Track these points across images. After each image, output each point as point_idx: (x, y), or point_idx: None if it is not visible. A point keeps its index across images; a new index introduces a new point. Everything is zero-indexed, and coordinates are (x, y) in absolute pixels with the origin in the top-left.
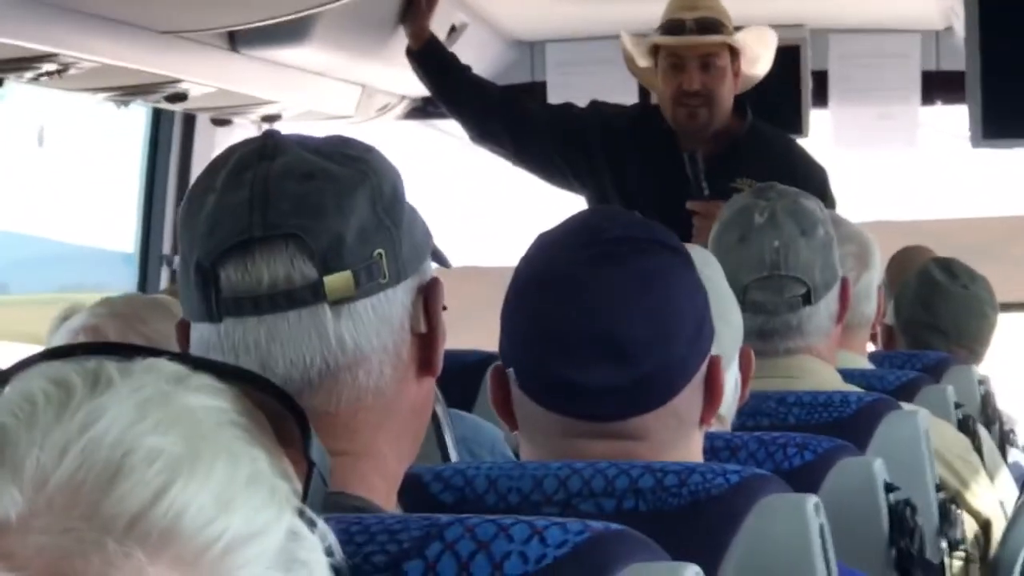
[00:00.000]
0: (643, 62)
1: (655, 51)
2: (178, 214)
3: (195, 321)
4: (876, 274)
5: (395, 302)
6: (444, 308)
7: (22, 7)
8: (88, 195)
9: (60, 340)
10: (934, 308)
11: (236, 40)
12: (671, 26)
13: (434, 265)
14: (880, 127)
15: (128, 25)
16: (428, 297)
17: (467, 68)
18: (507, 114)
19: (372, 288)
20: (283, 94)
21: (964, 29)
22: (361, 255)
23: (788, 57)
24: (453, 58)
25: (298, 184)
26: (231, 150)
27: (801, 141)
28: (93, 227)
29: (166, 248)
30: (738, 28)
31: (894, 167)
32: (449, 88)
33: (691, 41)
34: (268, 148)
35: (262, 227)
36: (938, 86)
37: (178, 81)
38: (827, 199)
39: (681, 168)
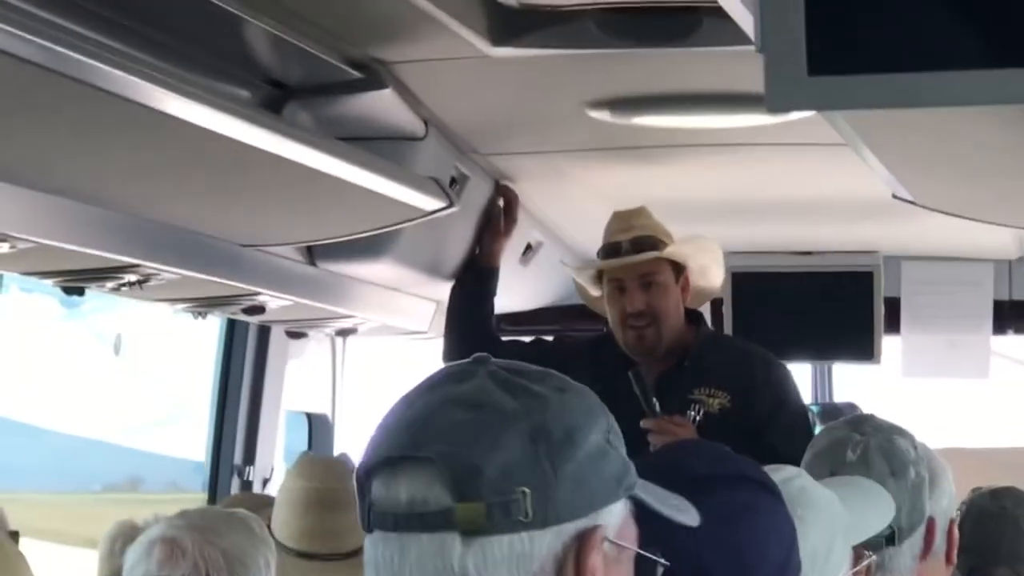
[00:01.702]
0: (595, 291)
1: (601, 279)
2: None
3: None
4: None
5: (539, 544)
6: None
7: (105, 218)
8: (160, 400)
9: (138, 550)
10: (985, 538)
11: (314, 254)
12: (608, 250)
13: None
14: (951, 355)
15: (209, 238)
16: (583, 544)
17: (492, 310)
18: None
19: (509, 525)
20: (358, 308)
21: None
22: (501, 489)
23: (861, 283)
24: (492, 294)
25: (462, 411)
26: (440, 369)
27: (872, 368)
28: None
29: (237, 458)
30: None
31: (967, 394)
32: (467, 310)
33: (626, 262)
34: (463, 373)
35: (410, 447)
36: (1010, 315)
37: (256, 294)
38: (788, 400)
39: (632, 388)
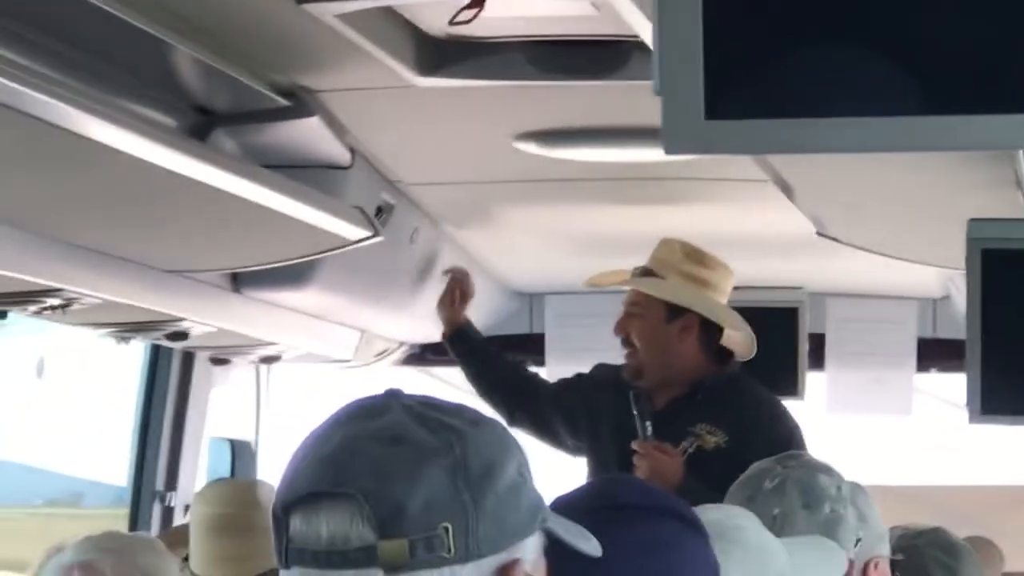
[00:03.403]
0: None
1: None
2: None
3: (277, 565)
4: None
5: None
6: None
7: (28, 242)
8: (85, 427)
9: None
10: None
11: (239, 281)
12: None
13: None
14: (875, 392)
15: (133, 263)
16: None
17: (498, 353)
18: (528, 399)
19: (432, 561)
20: (283, 336)
21: (965, 302)
22: (423, 525)
23: (786, 319)
24: (484, 344)
25: (380, 447)
26: (350, 403)
27: (796, 404)
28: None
29: (159, 484)
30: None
31: (890, 431)
32: (479, 372)
33: (597, 281)
34: (376, 408)
35: (330, 483)
36: (934, 354)
37: (180, 320)
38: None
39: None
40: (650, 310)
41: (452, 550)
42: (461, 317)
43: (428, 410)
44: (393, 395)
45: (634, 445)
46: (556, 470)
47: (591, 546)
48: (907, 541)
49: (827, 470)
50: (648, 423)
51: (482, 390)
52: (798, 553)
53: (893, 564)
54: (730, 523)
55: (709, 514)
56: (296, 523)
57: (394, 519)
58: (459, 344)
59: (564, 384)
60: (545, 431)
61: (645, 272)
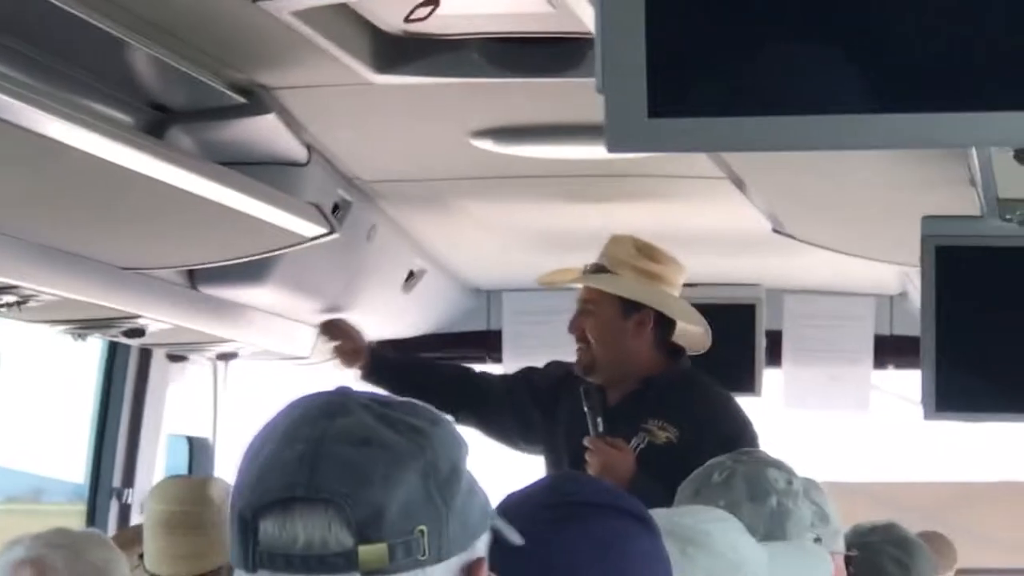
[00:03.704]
0: None
1: None
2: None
3: (235, 567)
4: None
5: None
6: None
7: None
8: (44, 424)
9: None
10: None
11: (195, 278)
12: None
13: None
14: (832, 388)
15: (90, 260)
16: None
17: (424, 365)
18: (471, 400)
19: (408, 564)
20: (240, 333)
21: (920, 299)
22: (401, 529)
23: (743, 315)
24: (405, 360)
25: (352, 449)
26: (299, 401)
27: (753, 400)
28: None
29: (116, 481)
30: (693, 285)
31: (847, 427)
32: (415, 386)
33: (549, 279)
34: (333, 406)
35: (306, 488)
36: (891, 350)
37: (136, 317)
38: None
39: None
40: (604, 306)
41: (427, 552)
42: (363, 355)
43: (387, 410)
44: (344, 393)
45: (585, 441)
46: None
47: (516, 538)
48: (860, 537)
49: (778, 464)
50: (600, 419)
51: (425, 400)
52: (780, 558)
53: (847, 560)
54: (700, 528)
55: (683, 519)
56: (268, 527)
57: (373, 523)
58: (380, 375)
59: (514, 380)
60: (493, 428)
61: (597, 268)
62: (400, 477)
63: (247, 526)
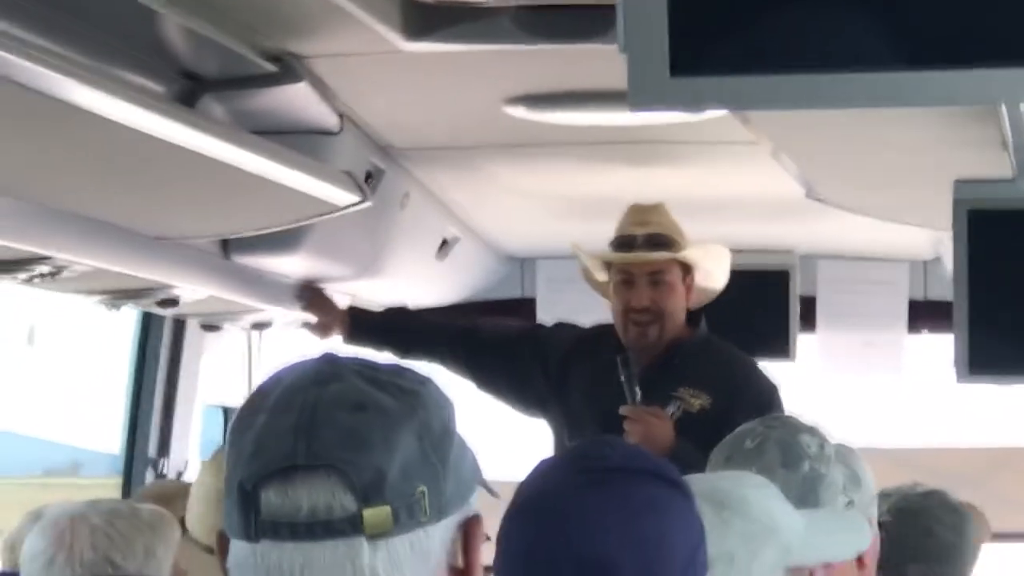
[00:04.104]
0: (600, 276)
1: (608, 266)
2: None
3: (234, 538)
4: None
5: (434, 539)
6: (488, 538)
7: (18, 209)
8: (83, 396)
9: (35, 538)
10: (912, 541)
11: (229, 248)
12: (622, 242)
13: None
14: (866, 354)
15: (122, 230)
16: (468, 533)
17: (406, 319)
18: (463, 351)
19: (412, 525)
20: (273, 302)
21: (952, 263)
22: (403, 491)
23: (777, 281)
24: (385, 316)
25: (348, 415)
26: (287, 369)
27: (787, 365)
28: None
29: (151, 451)
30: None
31: (881, 393)
32: (400, 343)
33: (639, 258)
34: (323, 373)
35: (306, 455)
36: (925, 315)
37: (170, 287)
38: (770, 411)
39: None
40: (674, 275)
41: (428, 512)
42: (339, 319)
43: (376, 373)
44: (332, 359)
45: (624, 411)
46: None
47: (497, 492)
48: (910, 501)
49: (810, 430)
50: (637, 388)
51: (411, 352)
52: (818, 523)
53: (880, 526)
54: (737, 493)
55: (720, 482)
56: (270, 497)
57: (376, 487)
58: (362, 335)
59: (519, 337)
60: (482, 378)
61: (655, 239)
62: (398, 439)
63: (248, 497)
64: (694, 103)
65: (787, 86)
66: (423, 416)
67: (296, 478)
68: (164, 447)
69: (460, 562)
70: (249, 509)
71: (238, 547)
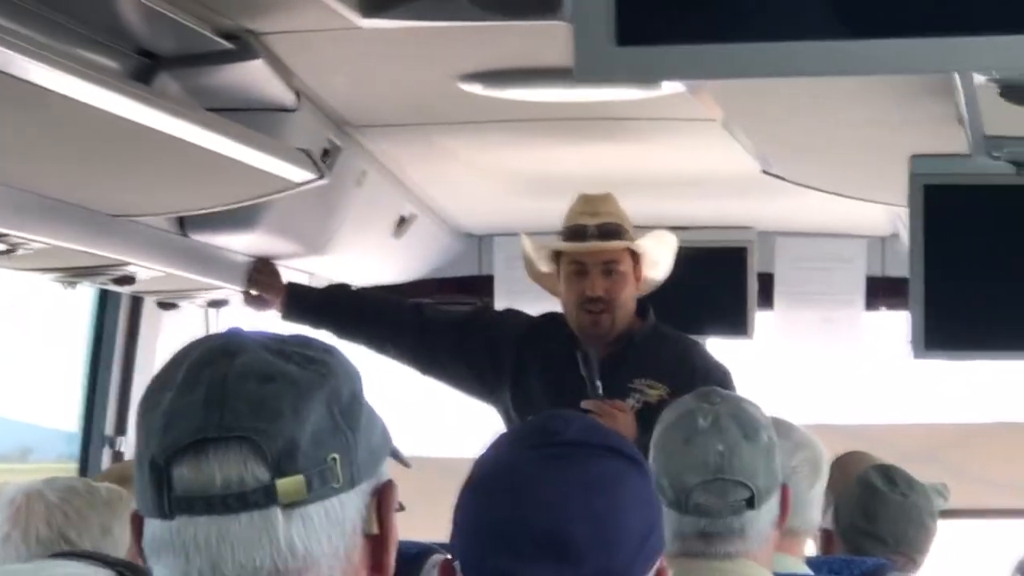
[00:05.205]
0: (544, 267)
1: (557, 256)
2: (120, 398)
3: (148, 516)
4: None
5: (348, 506)
6: (401, 508)
7: None
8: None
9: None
10: (873, 515)
11: (185, 225)
12: (573, 232)
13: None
14: (825, 330)
15: (78, 207)
16: (382, 500)
17: (346, 299)
18: (409, 335)
19: (325, 492)
20: (230, 279)
21: (908, 239)
22: (315, 459)
23: (734, 258)
24: (324, 297)
25: (256, 385)
26: (192, 346)
27: (745, 343)
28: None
29: (109, 429)
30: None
31: (839, 370)
32: (342, 329)
33: (595, 247)
34: (230, 346)
35: (217, 428)
36: (883, 292)
37: (126, 264)
38: None
39: (578, 368)
40: (626, 265)
41: (340, 480)
42: (278, 295)
43: (283, 345)
44: (237, 333)
45: (587, 405)
46: None
47: (407, 461)
48: (881, 483)
49: (746, 400)
50: (598, 381)
51: (354, 339)
52: None
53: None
54: None
55: None
56: (183, 472)
57: (288, 456)
58: (299, 312)
59: (466, 321)
60: (422, 363)
61: (608, 228)
62: (308, 408)
63: (160, 473)
64: (641, 73)
65: (736, 56)
66: (332, 385)
67: (208, 451)
68: (121, 425)
69: (375, 529)
70: (162, 485)
71: (153, 525)
